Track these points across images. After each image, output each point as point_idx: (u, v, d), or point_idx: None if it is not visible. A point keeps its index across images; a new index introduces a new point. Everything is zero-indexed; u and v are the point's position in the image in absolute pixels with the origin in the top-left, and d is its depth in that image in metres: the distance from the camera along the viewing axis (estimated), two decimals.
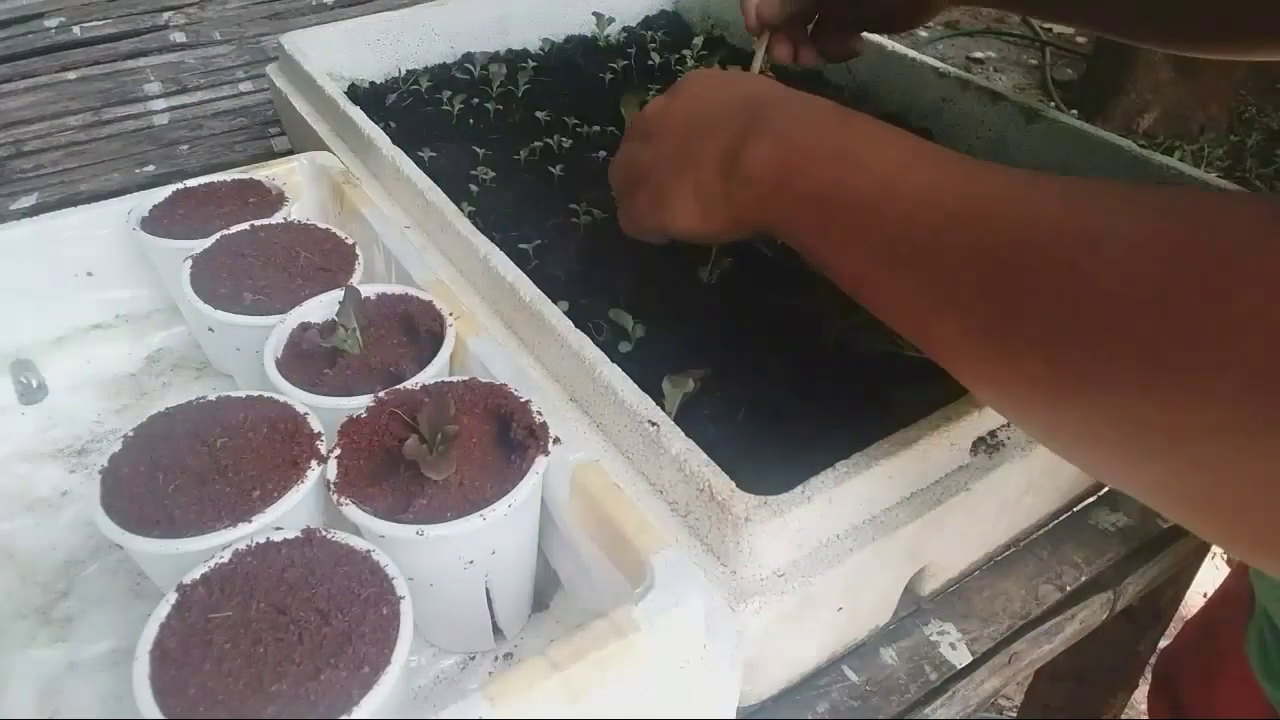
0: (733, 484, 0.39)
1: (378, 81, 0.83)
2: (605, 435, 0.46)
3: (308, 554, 0.37)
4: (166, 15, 1.05)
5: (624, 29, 0.94)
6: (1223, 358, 0.26)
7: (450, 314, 0.49)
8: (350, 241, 0.56)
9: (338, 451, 0.41)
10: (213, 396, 0.44)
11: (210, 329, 0.53)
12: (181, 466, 0.40)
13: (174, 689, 0.32)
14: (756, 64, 0.61)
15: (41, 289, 0.58)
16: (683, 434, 0.41)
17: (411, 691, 0.43)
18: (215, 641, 0.34)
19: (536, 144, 0.72)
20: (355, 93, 0.81)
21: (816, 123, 0.43)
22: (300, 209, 0.63)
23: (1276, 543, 0.27)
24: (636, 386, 0.44)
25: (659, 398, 0.45)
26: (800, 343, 0.53)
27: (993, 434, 0.46)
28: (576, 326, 0.47)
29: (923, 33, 3.14)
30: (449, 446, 0.39)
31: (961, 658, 0.48)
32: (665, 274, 0.57)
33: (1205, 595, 1.57)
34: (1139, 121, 2.68)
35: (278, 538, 0.37)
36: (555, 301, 0.49)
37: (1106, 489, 0.58)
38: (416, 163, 0.61)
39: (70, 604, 0.47)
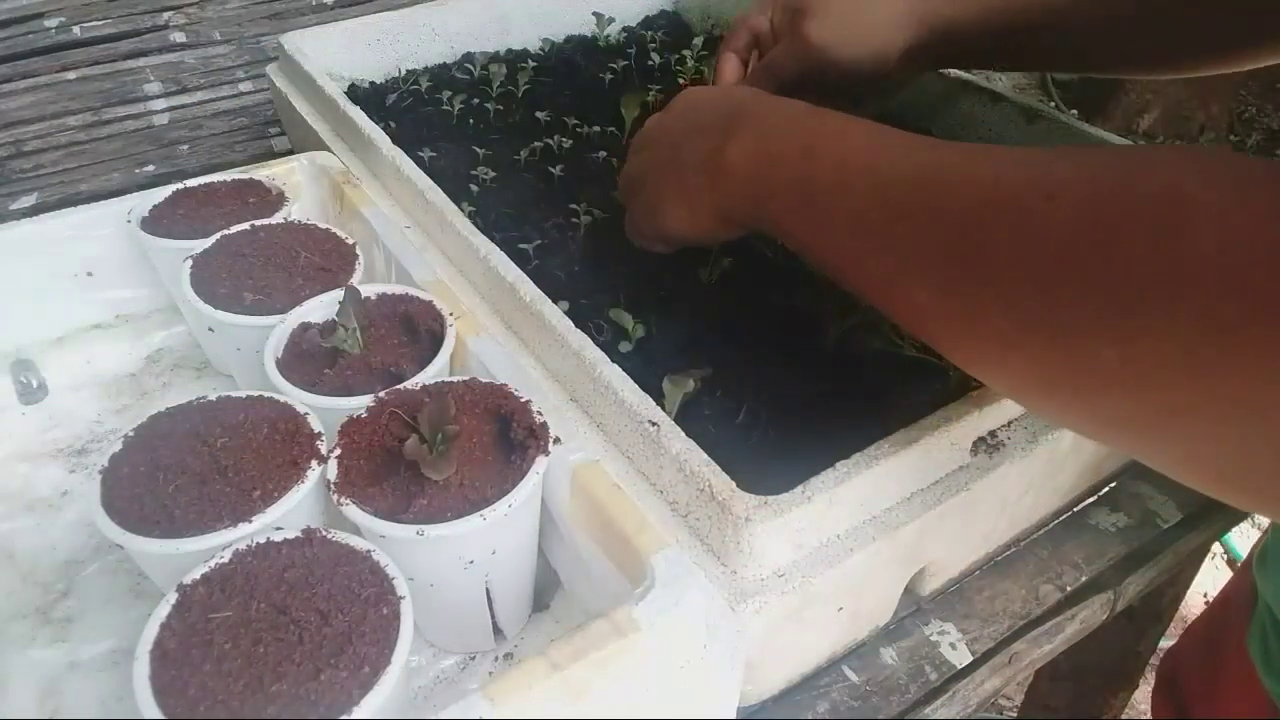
0: (733, 484, 0.39)
1: (378, 81, 0.83)
2: (605, 435, 0.46)
3: (308, 554, 0.37)
4: (166, 15, 1.05)
5: (624, 29, 0.94)
6: (1173, 294, 0.27)
7: (450, 314, 0.49)
8: (350, 241, 0.56)
9: (338, 451, 0.41)
10: (213, 396, 0.44)
11: (210, 329, 0.53)
12: (181, 466, 0.40)
13: (174, 689, 0.32)
14: None
15: (41, 289, 0.58)
16: (683, 434, 0.41)
17: (411, 691, 0.43)
18: (215, 641, 0.34)
19: (536, 144, 0.72)
20: (355, 93, 0.81)
21: (791, 120, 0.46)
22: (300, 209, 0.63)
23: (1236, 477, 0.29)
24: (636, 386, 0.44)
25: (659, 398, 0.45)
26: (800, 342, 0.53)
27: (993, 434, 0.46)
28: (576, 326, 0.47)
29: None
30: (449, 446, 0.39)
31: (961, 658, 0.48)
32: (665, 274, 0.57)
33: (1205, 595, 1.58)
34: (1139, 121, 2.69)
35: (278, 538, 0.37)
36: (555, 301, 0.49)
37: (1106, 489, 0.58)
38: (416, 163, 0.61)
39: (70, 604, 0.47)
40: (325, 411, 0.43)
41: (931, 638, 0.49)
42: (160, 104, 0.96)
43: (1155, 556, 0.55)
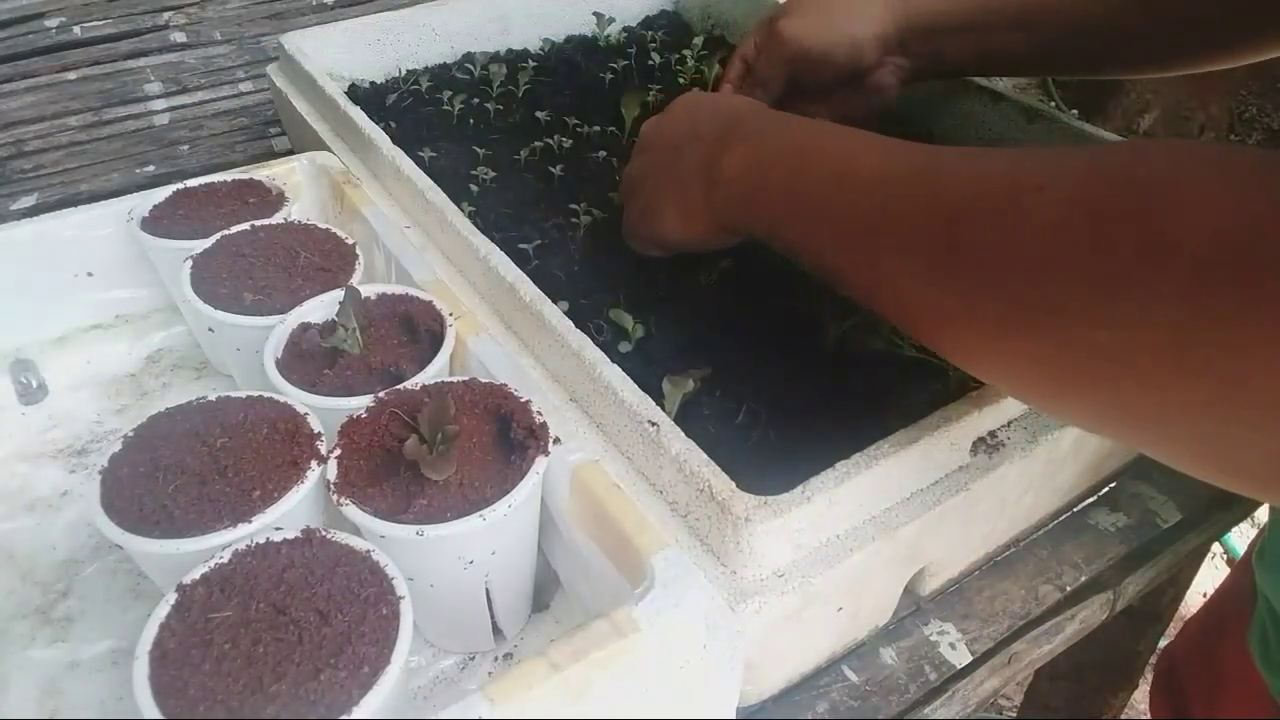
0: (733, 484, 0.39)
1: (378, 81, 0.83)
2: (605, 435, 0.46)
3: (308, 554, 0.37)
4: (167, 15, 1.05)
5: (624, 29, 0.94)
6: (1163, 280, 0.27)
7: (450, 314, 0.49)
8: (350, 241, 0.56)
9: (338, 452, 0.41)
10: (213, 396, 0.44)
11: (210, 329, 0.53)
12: (181, 467, 0.40)
13: (174, 689, 0.32)
14: None
15: (41, 289, 0.58)
16: (683, 434, 0.41)
17: (411, 691, 0.43)
18: (215, 641, 0.34)
19: (536, 144, 0.72)
20: (355, 93, 0.81)
21: (784, 130, 0.47)
22: (300, 209, 0.63)
23: (1236, 464, 0.29)
24: (636, 386, 0.44)
25: (659, 398, 0.45)
26: (800, 343, 0.53)
27: (993, 434, 0.46)
28: (576, 326, 0.47)
29: None
30: (449, 446, 0.39)
31: (961, 658, 0.48)
32: (665, 274, 0.57)
33: (1205, 595, 1.58)
34: (1139, 121, 2.68)
35: (278, 538, 0.37)
36: (555, 301, 0.49)
37: (1106, 489, 0.58)
38: (416, 163, 0.61)
39: (70, 604, 0.47)
40: (325, 412, 0.43)
41: (931, 638, 0.49)
42: (160, 104, 0.96)
43: (1155, 556, 0.55)
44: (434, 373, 0.46)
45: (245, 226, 0.55)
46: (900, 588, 0.47)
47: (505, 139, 0.74)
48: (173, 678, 0.33)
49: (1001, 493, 0.47)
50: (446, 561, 0.39)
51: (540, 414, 0.42)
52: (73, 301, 0.60)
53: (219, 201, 0.59)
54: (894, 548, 0.43)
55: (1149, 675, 0.79)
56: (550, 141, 0.72)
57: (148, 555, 0.38)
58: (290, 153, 0.67)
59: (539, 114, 0.76)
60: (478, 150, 0.70)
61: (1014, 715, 1.31)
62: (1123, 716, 0.98)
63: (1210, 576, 1.63)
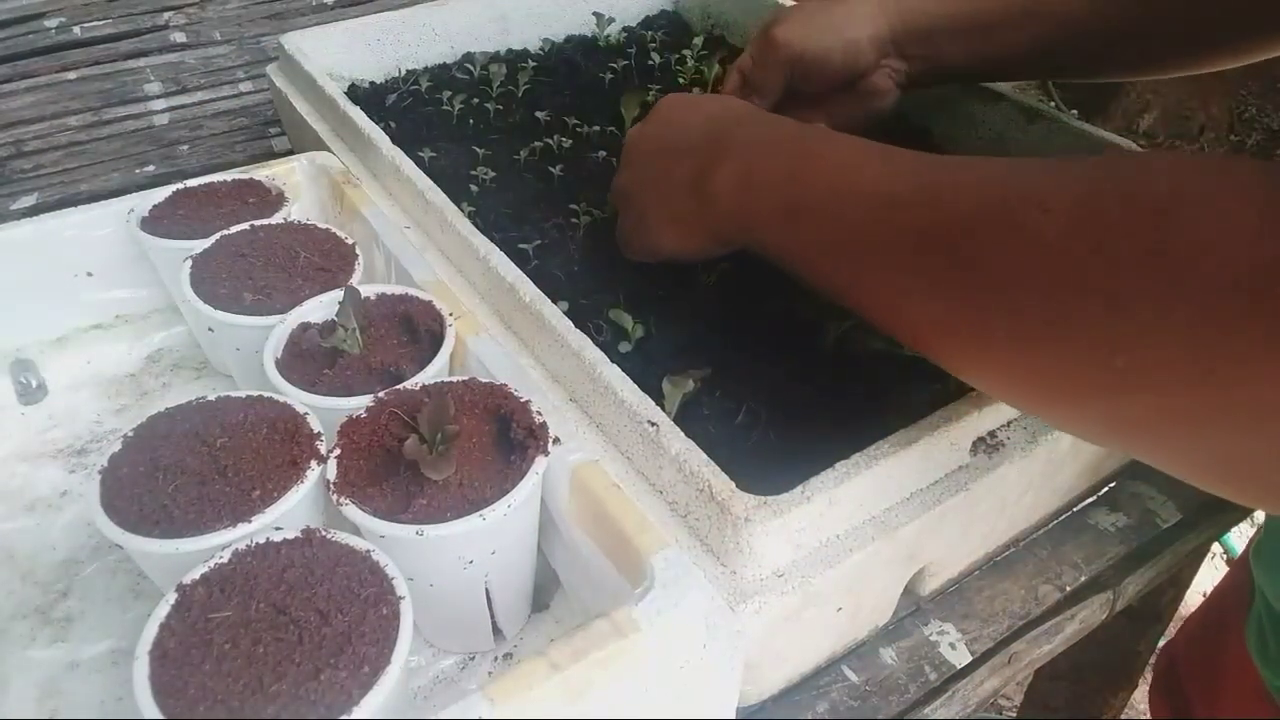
0: (733, 484, 0.39)
1: (378, 81, 0.83)
2: (605, 435, 0.46)
3: (308, 554, 0.37)
4: (166, 15, 1.05)
5: (624, 29, 0.94)
6: (1172, 296, 0.27)
7: (450, 314, 0.49)
8: (350, 241, 0.56)
9: (337, 451, 0.41)
10: (213, 396, 0.44)
11: (210, 329, 0.53)
12: (181, 466, 0.40)
13: (174, 689, 0.32)
14: None
15: (41, 289, 0.58)
16: (682, 434, 0.41)
17: (411, 691, 0.43)
18: (215, 641, 0.34)
19: (536, 144, 0.72)
20: (355, 93, 0.81)
21: (776, 140, 0.46)
22: (300, 209, 0.63)
23: (1244, 477, 0.29)
24: (636, 386, 0.44)
25: (659, 398, 0.45)
26: (800, 343, 0.53)
27: (992, 434, 0.46)
28: (576, 326, 0.47)
29: None
30: (449, 446, 0.39)
31: (961, 658, 0.48)
32: (665, 274, 0.57)
33: (1205, 595, 1.58)
34: (1139, 121, 2.68)
35: (277, 538, 0.37)
36: (555, 301, 0.49)
37: (1106, 489, 0.58)
38: (416, 163, 0.61)
39: (70, 604, 0.47)
40: (325, 411, 0.43)
41: (931, 638, 0.49)
42: (160, 104, 0.96)
43: (1155, 556, 0.55)
44: (434, 373, 0.46)
45: (245, 226, 0.55)
46: (900, 588, 0.47)
47: (505, 139, 0.73)
48: (173, 678, 0.33)
49: (1001, 493, 0.47)
50: (446, 561, 0.39)
51: (540, 414, 0.42)
52: (73, 301, 0.60)
53: (219, 201, 0.59)
54: (894, 548, 0.43)
55: (1149, 675, 0.80)
56: (550, 141, 0.72)
57: (147, 555, 0.38)
58: (290, 153, 0.67)
59: (539, 114, 0.76)
60: (477, 150, 0.70)
61: (1014, 715, 1.31)
62: (1123, 716, 0.98)
63: (1210, 576, 1.63)
